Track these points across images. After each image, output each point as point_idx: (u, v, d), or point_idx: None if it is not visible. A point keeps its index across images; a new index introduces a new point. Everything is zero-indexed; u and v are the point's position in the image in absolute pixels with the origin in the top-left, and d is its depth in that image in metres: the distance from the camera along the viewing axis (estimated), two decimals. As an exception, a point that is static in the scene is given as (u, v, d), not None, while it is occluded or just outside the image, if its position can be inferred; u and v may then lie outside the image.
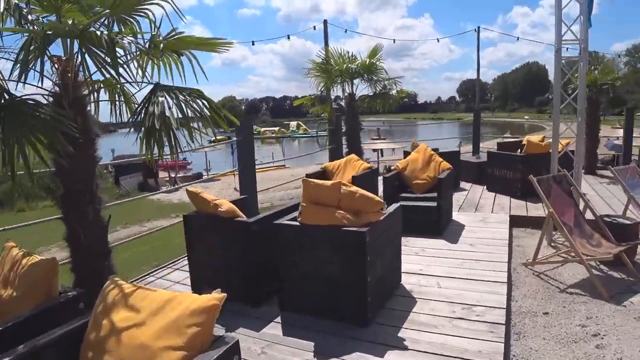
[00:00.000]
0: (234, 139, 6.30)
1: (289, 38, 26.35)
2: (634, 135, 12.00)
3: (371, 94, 8.88)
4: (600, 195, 7.80)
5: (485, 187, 8.46)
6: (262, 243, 3.74)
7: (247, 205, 5.18)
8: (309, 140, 71.30)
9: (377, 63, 8.26)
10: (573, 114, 9.20)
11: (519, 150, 9.37)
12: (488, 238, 5.48)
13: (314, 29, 14.67)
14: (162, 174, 26.55)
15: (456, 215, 6.57)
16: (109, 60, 2.74)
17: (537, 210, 6.79)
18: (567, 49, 5.80)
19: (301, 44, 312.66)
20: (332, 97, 9.54)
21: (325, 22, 11.97)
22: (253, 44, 16.22)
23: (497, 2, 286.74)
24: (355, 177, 6.07)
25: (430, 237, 5.59)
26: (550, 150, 7.35)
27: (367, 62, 8.24)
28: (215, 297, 1.93)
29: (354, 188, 3.46)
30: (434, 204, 5.66)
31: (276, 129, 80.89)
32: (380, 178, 7.04)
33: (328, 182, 3.51)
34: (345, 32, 17.22)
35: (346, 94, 8.75)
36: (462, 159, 9.21)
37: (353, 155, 6.84)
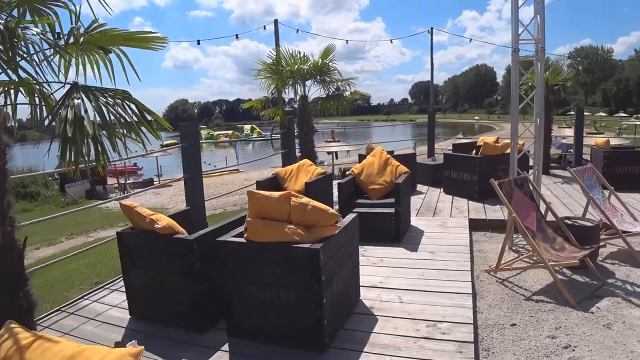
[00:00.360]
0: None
1: (237, 37, 26.05)
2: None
3: (324, 95, 8.56)
4: (556, 196, 7.77)
5: (442, 189, 8.30)
6: (207, 261, 3.34)
7: (194, 217, 4.76)
8: (263, 143, 70.75)
9: (330, 64, 7.97)
10: (526, 114, 9.20)
11: (474, 152, 9.30)
12: (449, 245, 5.25)
13: (264, 28, 14.24)
14: (112, 180, 25.47)
15: (415, 221, 6.34)
16: (5, 57, 2.27)
17: (496, 212, 6.66)
18: (517, 49, 5.60)
19: (254, 46, 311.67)
20: (286, 99, 9.20)
21: (275, 21, 11.62)
22: (198, 43, 15.55)
23: (446, 7, 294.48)
24: (309, 184, 5.73)
25: (389, 245, 5.31)
26: (507, 152, 7.27)
27: (320, 62, 7.92)
28: (130, 352, 1.54)
29: (306, 200, 3.11)
30: (392, 210, 5.39)
31: (230, 132, 79.84)
32: (335, 183, 6.73)
33: (276, 194, 3.14)
34: (297, 32, 16.74)
35: (299, 96, 8.42)
36: (418, 162, 9.03)
37: (306, 160, 6.49)
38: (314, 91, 8.48)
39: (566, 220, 4.85)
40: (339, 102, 8.29)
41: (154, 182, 27.01)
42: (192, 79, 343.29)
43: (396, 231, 5.38)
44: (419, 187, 8.74)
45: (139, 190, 22.58)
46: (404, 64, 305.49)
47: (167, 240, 3.41)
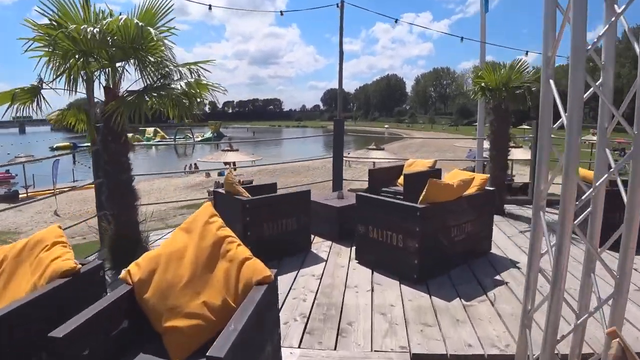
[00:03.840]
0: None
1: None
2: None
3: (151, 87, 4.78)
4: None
5: (354, 255, 4.89)
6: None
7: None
8: (167, 148, 65.11)
9: (152, 31, 4.24)
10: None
11: (399, 180, 6.08)
12: None
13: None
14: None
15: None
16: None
17: (461, 326, 3.30)
18: None
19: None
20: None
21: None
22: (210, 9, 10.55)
23: (360, 18, 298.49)
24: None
25: None
26: (469, 193, 4.07)
27: (131, 25, 4.19)
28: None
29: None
30: None
31: (130, 135, 72.76)
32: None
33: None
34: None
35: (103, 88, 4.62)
36: (314, 200, 5.56)
37: (44, 236, 2.72)
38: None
39: None
40: (175, 103, 4.52)
41: (20, 196, 21.97)
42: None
43: None
44: (316, 245, 5.31)
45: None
46: (317, 71, 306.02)
47: None
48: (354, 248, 4.97)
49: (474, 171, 26.12)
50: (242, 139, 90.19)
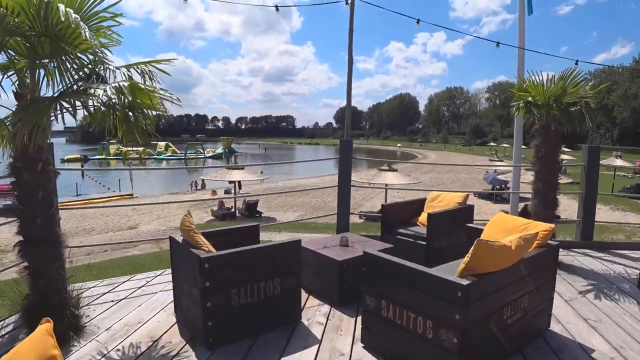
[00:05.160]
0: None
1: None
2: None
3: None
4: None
5: (358, 336, 3.47)
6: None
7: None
8: (178, 162, 64.15)
9: (75, 17, 2.88)
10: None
11: (420, 217, 4.74)
12: None
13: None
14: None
15: None
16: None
17: None
18: None
19: (181, 61, 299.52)
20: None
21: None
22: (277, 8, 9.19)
23: (374, 36, 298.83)
24: None
25: None
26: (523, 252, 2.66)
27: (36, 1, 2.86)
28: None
29: None
30: None
31: (141, 149, 72.38)
32: None
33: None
34: None
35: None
36: (308, 245, 4.17)
37: None
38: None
39: None
40: (107, 113, 3.15)
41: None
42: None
43: None
44: (310, 311, 3.91)
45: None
46: (331, 89, 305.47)
47: None
48: (359, 320, 3.55)
49: (493, 196, 24.52)
50: (252, 155, 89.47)
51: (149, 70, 3.61)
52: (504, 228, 3.68)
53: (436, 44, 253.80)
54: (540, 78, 5.25)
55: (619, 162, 27.57)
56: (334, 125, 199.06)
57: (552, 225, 3.47)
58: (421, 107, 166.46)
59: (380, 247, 4.24)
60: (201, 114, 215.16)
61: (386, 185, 20.12)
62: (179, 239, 3.66)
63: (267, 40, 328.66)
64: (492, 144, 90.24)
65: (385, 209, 5.26)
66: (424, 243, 4.79)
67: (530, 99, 5.13)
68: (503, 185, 27.50)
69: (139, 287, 4.61)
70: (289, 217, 20.57)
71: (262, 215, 20.68)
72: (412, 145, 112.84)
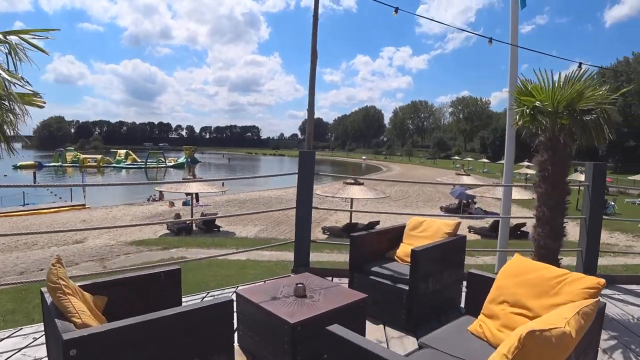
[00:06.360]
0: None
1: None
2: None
3: None
4: None
5: None
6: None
7: None
8: (138, 172, 61.64)
9: None
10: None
11: (396, 251, 3.62)
12: None
13: None
14: None
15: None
16: None
17: None
18: None
19: (145, 68, 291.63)
20: None
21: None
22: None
23: (341, 49, 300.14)
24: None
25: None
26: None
27: None
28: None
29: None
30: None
31: (99, 157, 69.50)
32: None
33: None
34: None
35: None
36: (249, 294, 2.97)
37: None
38: None
39: None
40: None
41: None
42: (74, 95, 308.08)
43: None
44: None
45: None
46: (297, 100, 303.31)
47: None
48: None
49: (460, 208, 23.81)
50: (216, 165, 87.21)
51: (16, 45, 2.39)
52: (526, 281, 2.58)
53: (402, 58, 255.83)
54: (547, 79, 4.22)
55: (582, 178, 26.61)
56: (300, 136, 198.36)
57: (602, 281, 2.39)
58: (386, 120, 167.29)
59: (349, 300, 3.08)
60: (165, 122, 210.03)
61: (351, 200, 19.10)
62: (48, 297, 2.39)
63: (234, 49, 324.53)
64: (456, 157, 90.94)
65: (356, 241, 4.09)
66: (406, 287, 3.66)
67: (538, 103, 4.08)
68: (470, 200, 26.97)
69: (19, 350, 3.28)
70: (250, 232, 19.24)
71: (221, 229, 19.26)
72: (377, 158, 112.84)
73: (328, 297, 3.11)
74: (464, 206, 26.70)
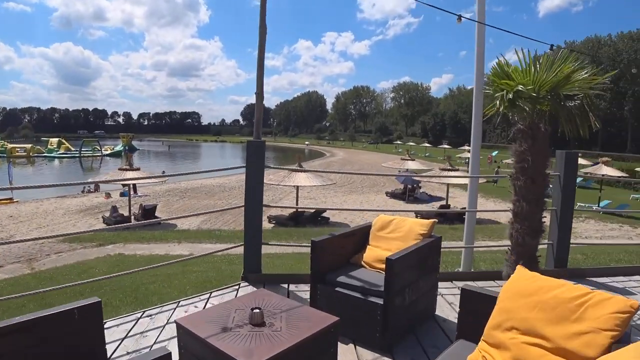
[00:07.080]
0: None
1: None
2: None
3: None
4: None
5: None
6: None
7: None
8: (72, 161, 58.12)
9: None
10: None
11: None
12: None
13: None
14: None
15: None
16: None
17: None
18: None
19: (78, 51, 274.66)
20: None
21: None
22: None
23: (283, 34, 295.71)
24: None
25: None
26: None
27: None
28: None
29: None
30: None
31: (29, 146, 65.03)
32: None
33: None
34: None
35: None
36: (190, 326, 2.33)
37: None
38: None
39: None
40: None
41: None
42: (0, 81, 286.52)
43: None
44: None
45: None
46: (238, 85, 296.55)
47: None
48: None
49: (405, 193, 23.72)
50: (155, 153, 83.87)
51: None
52: (539, 303, 2.10)
53: (344, 43, 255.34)
54: (529, 60, 3.78)
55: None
56: (241, 122, 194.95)
57: (635, 304, 1.94)
58: (329, 106, 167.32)
59: (318, 327, 2.50)
60: (100, 108, 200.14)
61: (297, 187, 18.54)
62: None
63: (172, 33, 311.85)
64: (398, 142, 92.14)
65: (317, 248, 3.49)
66: (380, 301, 3.13)
67: (521, 87, 3.63)
68: (415, 185, 27.11)
69: None
70: (192, 223, 18.31)
71: (161, 222, 18.13)
72: (320, 143, 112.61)
73: (292, 324, 2.51)
74: (409, 191, 26.76)
